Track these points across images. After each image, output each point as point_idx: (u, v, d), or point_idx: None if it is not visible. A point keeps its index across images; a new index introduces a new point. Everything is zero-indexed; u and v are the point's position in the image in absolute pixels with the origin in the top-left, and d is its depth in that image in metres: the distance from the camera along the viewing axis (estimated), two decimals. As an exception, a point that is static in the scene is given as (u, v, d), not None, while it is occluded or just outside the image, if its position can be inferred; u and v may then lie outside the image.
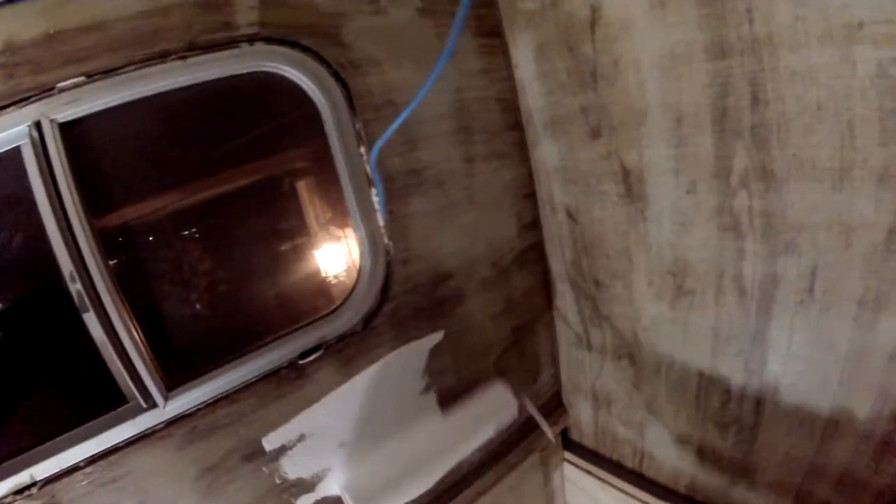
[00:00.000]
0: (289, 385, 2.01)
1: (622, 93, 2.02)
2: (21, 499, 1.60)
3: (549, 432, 2.64)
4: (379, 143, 1.98)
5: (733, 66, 1.67)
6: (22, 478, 1.61)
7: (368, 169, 2.08)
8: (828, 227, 1.63)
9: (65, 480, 1.66)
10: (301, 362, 2.02)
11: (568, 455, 3.16)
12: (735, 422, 2.16)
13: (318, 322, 2.12)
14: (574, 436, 3.17)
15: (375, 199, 2.12)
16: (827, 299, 1.71)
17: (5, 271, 1.83)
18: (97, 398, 1.84)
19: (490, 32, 2.41)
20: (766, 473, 2.13)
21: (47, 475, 1.64)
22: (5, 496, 1.60)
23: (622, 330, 2.52)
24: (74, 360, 1.95)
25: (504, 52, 2.46)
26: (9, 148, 1.60)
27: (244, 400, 1.92)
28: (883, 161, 1.46)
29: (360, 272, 2.20)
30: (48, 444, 1.70)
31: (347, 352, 2.13)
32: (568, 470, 3.20)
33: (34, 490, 1.61)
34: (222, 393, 1.89)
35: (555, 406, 3.13)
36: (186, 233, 2.19)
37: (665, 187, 2.03)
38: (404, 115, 1.84)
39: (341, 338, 2.11)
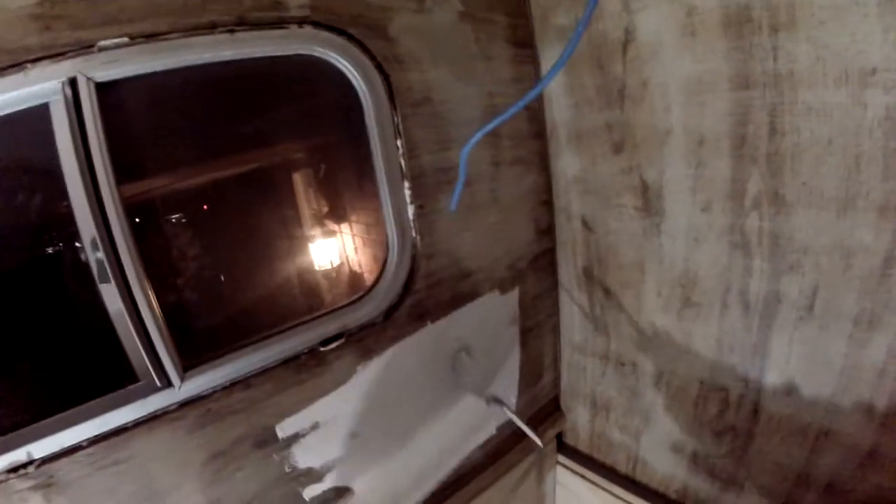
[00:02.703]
0: (308, 372, 2.06)
1: (648, 113, 2.23)
2: (15, 477, 1.57)
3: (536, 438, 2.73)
4: (470, 144, 2.11)
5: (755, 98, 1.89)
6: (18, 455, 1.58)
7: (402, 164, 2.20)
8: (830, 251, 1.85)
9: (64, 461, 1.62)
10: (322, 349, 2.07)
11: (562, 458, 3.34)
12: (731, 430, 2.37)
13: (340, 310, 2.18)
14: (569, 440, 3.36)
15: (408, 192, 2.23)
16: (825, 317, 1.93)
17: (11, 236, 1.81)
18: (99, 375, 1.82)
19: (523, 43, 2.58)
20: (756, 480, 2.34)
21: (46, 454, 1.61)
22: None
23: (627, 338, 2.72)
24: (77, 333, 1.94)
25: (535, 62, 2.64)
26: (33, 104, 1.56)
27: (261, 385, 1.95)
28: (884, 194, 1.68)
29: (386, 263, 2.28)
30: (49, 420, 1.66)
31: (367, 342, 2.21)
32: (561, 473, 3.38)
33: (31, 469, 1.58)
34: (240, 376, 1.91)
35: (552, 410, 3.31)
36: (213, 211, 2.23)
37: (682, 204, 2.24)
38: (497, 121, 1.98)
39: (362, 327, 2.19)
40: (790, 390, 2.11)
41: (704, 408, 2.46)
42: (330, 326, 2.12)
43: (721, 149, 2.04)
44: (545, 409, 3.28)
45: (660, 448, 2.77)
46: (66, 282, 1.92)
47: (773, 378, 2.16)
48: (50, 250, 1.89)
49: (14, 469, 1.56)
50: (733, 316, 2.21)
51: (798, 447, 2.16)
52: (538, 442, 2.59)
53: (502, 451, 2.99)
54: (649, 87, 2.20)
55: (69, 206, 1.64)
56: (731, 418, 2.36)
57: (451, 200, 2.31)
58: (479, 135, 2.09)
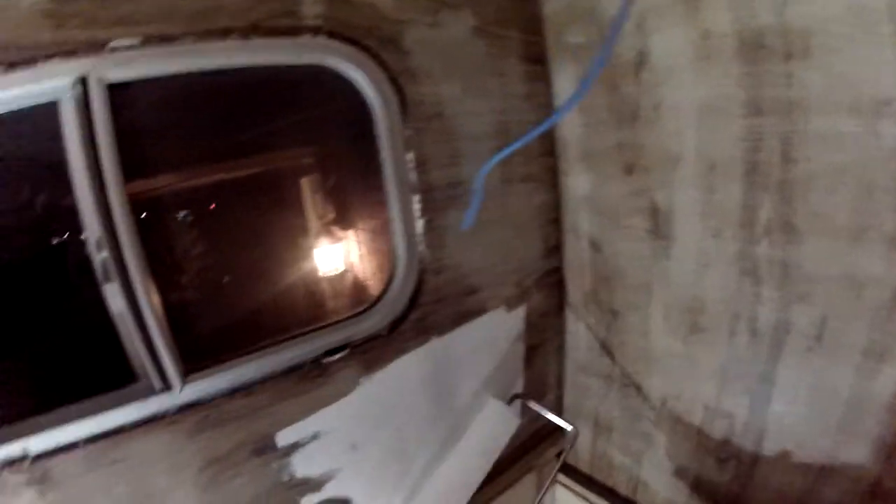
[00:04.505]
0: (310, 382, 2.08)
1: (660, 135, 2.24)
2: (9, 471, 1.59)
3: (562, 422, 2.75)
4: (489, 166, 2.17)
5: (767, 125, 1.89)
6: (14, 449, 1.59)
7: (412, 177, 2.21)
8: (840, 281, 1.85)
9: (60, 457, 1.64)
10: (325, 360, 2.09)
11: (561, 478, 3.30)
12: (734, 457, 2.36)
13: (345, 322, 2.20)
14: (570, 459, 3.33)
15: (417, 206, 2.24)
16: (833, 348, 1.93)
17: (16, 232, 1.80)
18: (100, 374, 1.82)
19: (536, 59, 2.58)
20: (760, 509, 2.32)
21: (42, 450, 1.62)
22: None
23: (633, 359, 2.72)
24: (80, 331, 1.93)
25: (547, 80, 2.63)
26: (43, 102, 1.56)
27: (263, 393, 1.97)
28: (896, 225, 1.67)
29: (393, 277, 2.29)
30: (47, 416, 1.68)
31: (371, 354, 2.22)
32: (560, 493, 3.34)
33: (26, 464, 1.60)
34: (242, 383, 1.93)
35: (554, 428, 3.22)
36: (219, 216, 2.21)
37: (691, 229, 2.24)
38: (516, 145, 2.07)
39: (367, 340, 2.20)
40: (796, 420, 2.11)
41: (709, 433, 2.45)
42: (334, 337, 2.13)
43: (732, 175, 2.04)
44: (548, 427, 3.23)
45: (662, 472, 2.76)
46: (69, 279, 1.90)
47: (779, 407, 2.15)
48: (54, 248, 1.87)
49: (9, 463, 1.58)
50: (741, 343, 2.20)
51: (802, 477, 2.15)
52: (566, 426, 2.59)
53: (502, 468, 2.95)
54: (662, 110, 2.21)
55: (75, 205, 1.65)
56: (736, 445, 2.35)
57: (465, 218, 2.32)
58: (497, 157, 2.15)
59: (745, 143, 1.98)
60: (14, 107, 1.55)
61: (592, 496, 3.13)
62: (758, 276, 2.08)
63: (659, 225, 2.37)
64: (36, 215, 1.81)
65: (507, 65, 2.49)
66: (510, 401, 2.63)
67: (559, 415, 3.19)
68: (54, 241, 1.86)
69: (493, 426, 2.54)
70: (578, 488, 3.22)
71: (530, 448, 3.14)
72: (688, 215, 2.25)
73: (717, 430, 2.41)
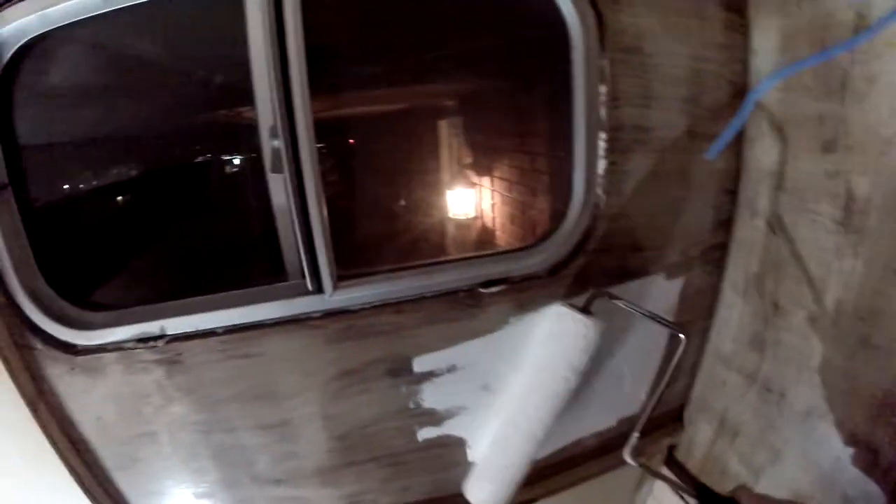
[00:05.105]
0: (461, 311, 2.08)
1: (870, 113, 1.96)
2: (143, 348, 1.71)
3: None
4: (777, 76, 2.06)
5: None
6: (151, 327, 1.71)
7: (602, 113, 2.10)
8: None
9: (196, 342, 1.74)
10: (482, 290, 2.08)
11: (666, 472, 3.15)
12: (866, 498, 2.11)
13: (506, 255, 2.19)
14: (680, 455, 3.16)
15: (602, 145, 2.14)
16: None
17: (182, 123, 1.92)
18: (249, 268, 1.95)
19: (737, 8, 2.34)
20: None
21: (179, 332, 1.73)
22: (127, 341, 1.70)
23: (785, 362, 2.46)
24: (235, 224, 2.08)
25: (745, 32, 2.38)
26: None
27: (411, 312, 1.99)
28: None
29: (564, 216, 2.22)
30: (190, 300, 1.78)
31: (527, 294, 2.18)
32: (658, 486, 3.22)
33: (160, 343, 1.70)
34: (392, 299, 1.96)
35: (673, 418, 3.11)
36: (398, 128, 2.22)
37: (887, 228, 1.96)
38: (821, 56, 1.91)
39: (525, 278, 2.16)
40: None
41: (845, 464, 2.19)
42: (493, 269, 2.12)
43: (950, 173, 1.74)
44: (667, 416, 3.09)
45: (779, 493, 2.52)
46: (233, 170, 2.06)
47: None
48: (217, 138, 2.01)
49: (144, 340, 1.69)
50: (911, 371, 1.91)
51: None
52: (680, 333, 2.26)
53: (614, 446, 2.81)
54: (877, 85, 1.92)
55: (247, 92, 1.68)
56: (872, 485, 2.09)
57: (713, 145, 2.23)
58: (787, 71, 2.04)
59: (967, 137, 1.67)
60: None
61: (692, 500, 2.94)
62: (954, 298, 1.78)
63: (851, 216, 2.09)
64: (207, 102, 1.96)
65: (708, 9, 2.28)
66: (586, 304, 2.27)
67: (682, 405, 3.03)
68: (217, 132, 2.02)
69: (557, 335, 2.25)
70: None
71: (647, 432, 2.95)
72: (886, 211, 1.96)
73: (856, 462, 2.15)
